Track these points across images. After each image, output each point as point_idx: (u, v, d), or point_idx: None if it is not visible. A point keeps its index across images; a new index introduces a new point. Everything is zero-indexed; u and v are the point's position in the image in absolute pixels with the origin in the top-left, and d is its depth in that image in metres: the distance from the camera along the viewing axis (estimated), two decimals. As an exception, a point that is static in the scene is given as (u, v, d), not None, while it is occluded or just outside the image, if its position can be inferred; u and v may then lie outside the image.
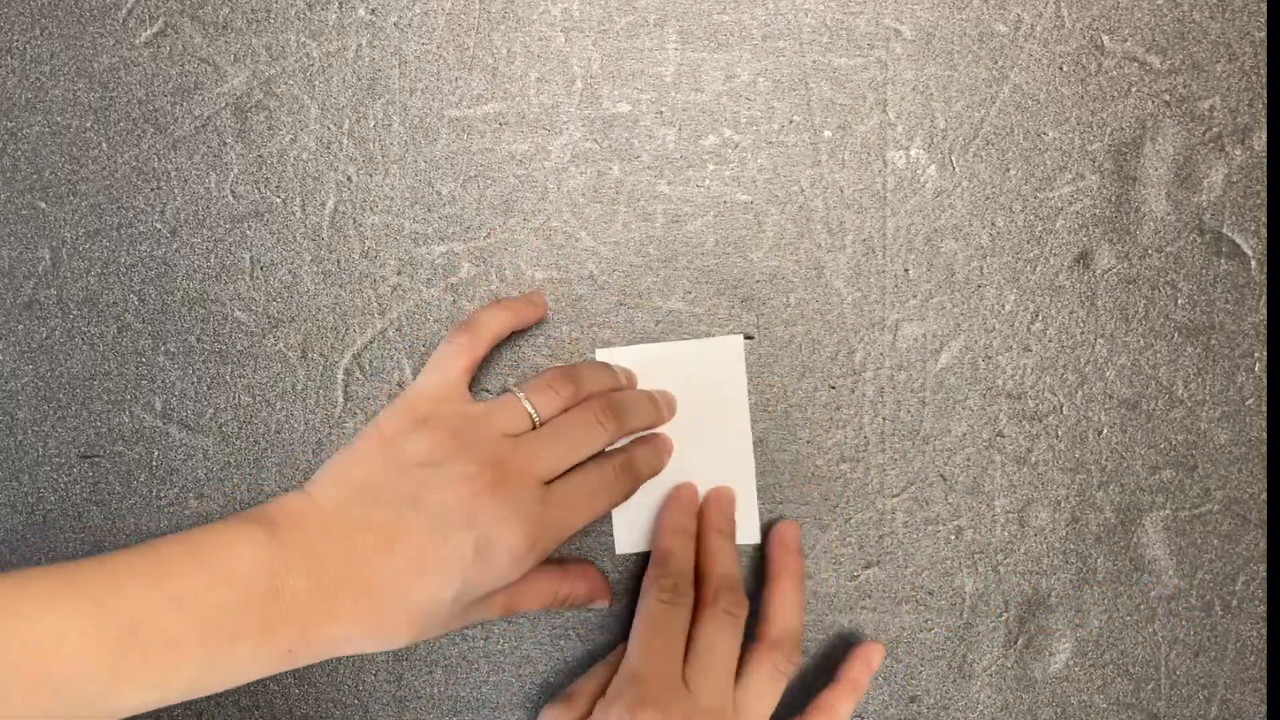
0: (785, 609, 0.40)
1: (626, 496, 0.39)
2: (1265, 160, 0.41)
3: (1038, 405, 0.42)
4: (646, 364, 0.42)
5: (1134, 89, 0.41)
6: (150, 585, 0.30)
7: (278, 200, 0.42)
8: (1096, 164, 0.41)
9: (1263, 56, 0.41)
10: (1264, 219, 0.41)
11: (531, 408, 0.38)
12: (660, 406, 0.41)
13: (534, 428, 0.38)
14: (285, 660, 0.32)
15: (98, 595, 0.29)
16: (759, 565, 0.42)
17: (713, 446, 0.42)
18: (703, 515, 0.41)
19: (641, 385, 0.42)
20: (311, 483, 0.35)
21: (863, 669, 0.41)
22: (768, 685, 0.38)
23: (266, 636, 0.31)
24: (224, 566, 0.31)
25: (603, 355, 0.42)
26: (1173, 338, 0.42)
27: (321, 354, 0.42)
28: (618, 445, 0.40)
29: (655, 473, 0.41)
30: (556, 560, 0.41)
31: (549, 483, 0.37)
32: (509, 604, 0.37)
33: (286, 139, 0.42)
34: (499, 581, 0.35)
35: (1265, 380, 0.42)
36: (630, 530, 0.42)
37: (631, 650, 0.38)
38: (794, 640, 0.39)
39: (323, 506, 0.34)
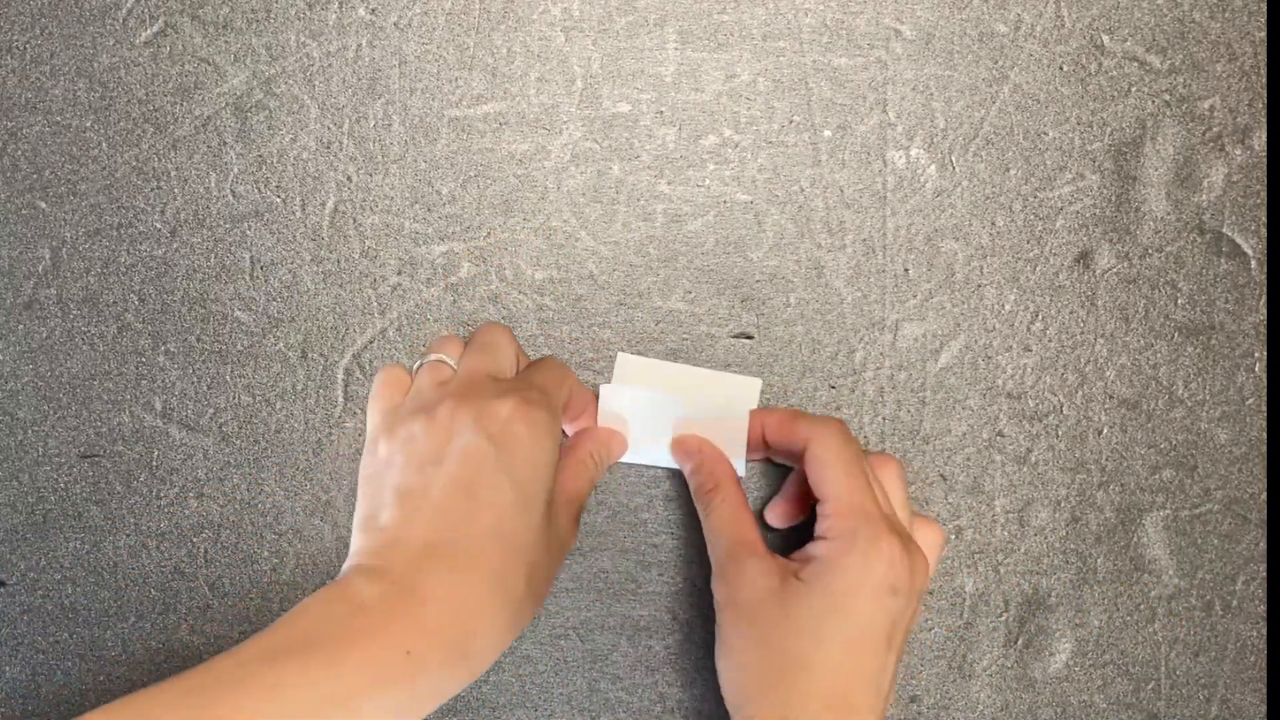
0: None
1: (568, 374, 0.39)
2: (1265, 160, 0.41)
3: (1038, 405, 0.42)
4: (662, 380, 0.42)
5: (1134, 89, 0.41)
6: (237, 653, 0.30)
7: (278, 200, 0.42)
8: (1096, 164, 0.41)
9: (1263, 56, 0.41)
10: (1264, 219, 0.41)
11: (440, 355, 0.38)
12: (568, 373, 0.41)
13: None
14: (404, 664, 0.31)
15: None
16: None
17: None
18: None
19: (645, 411, 0.41)
20: (357, 566, 0.34)
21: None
22: (894, 473, 0.39)
23: (370, 647, 0.30)
24: (297, 616, 0.31)
25: (623, 361, 0.42)
26: (1173, 338, 0.42)
27: (321, 354, 0.42)
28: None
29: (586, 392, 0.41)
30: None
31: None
32: (569, 494, 0.38)
33: (286, 139, 0.42)
34: (534, 452, 0.35)
35: (1265, 380, 0.42)
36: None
37: (842, 488, 0.35)
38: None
39: (362, 549, 0.34)
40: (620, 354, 0.42)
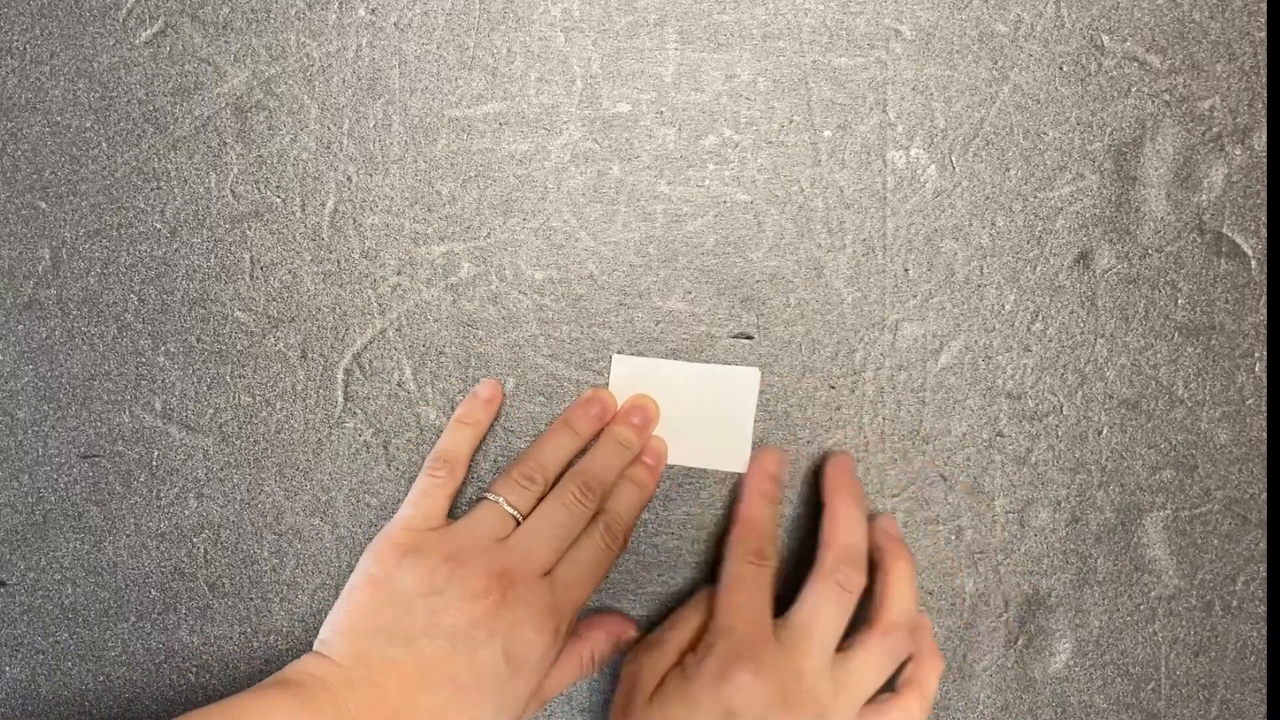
0: (900, 596, 0.39)
1: (622, 552, 0.40)
2: (1265, 160, 0.41)
3: (1038, 405, 0.42)
4: (660, 379, 0.42)
5: (1134, 89, 0.41)
6: None
7: (278, 200, 0.42)
8: (1096, 164, 0.41)
9: (1263, 56, 0.41)
10: (1264, 219, 0.41)
11: (511, 508, 0.38)
12: (631, 442, 0.41)
13: (517, 524, 0.38)
14: None
15: None
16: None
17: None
18: (827, 477, 0.41)
19: (658, 393, 0.42)
20: (320, 642, 0.35)
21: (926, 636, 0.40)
22: (873, 666, 0.38)
23: None
24: None
25: (619, 363, 0.42)
26: (1173, 338, 0.42)
27: (321, 354, 0.42)
28: None
29: (644, 504, 0.41)
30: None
31: (548, 571, 0.37)
32: (541, 696, 0.38)
33: (286, 139, 0.42)
34: (534, 682, 0.36)
35: (1265, 380, 0.42)
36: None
37: (720, 607, 0.38)
38: (908, 626, 0.39)
39: (340, 661, 0.34)
40: (615, 355, 0.42)
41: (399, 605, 0.35)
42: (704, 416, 0.42)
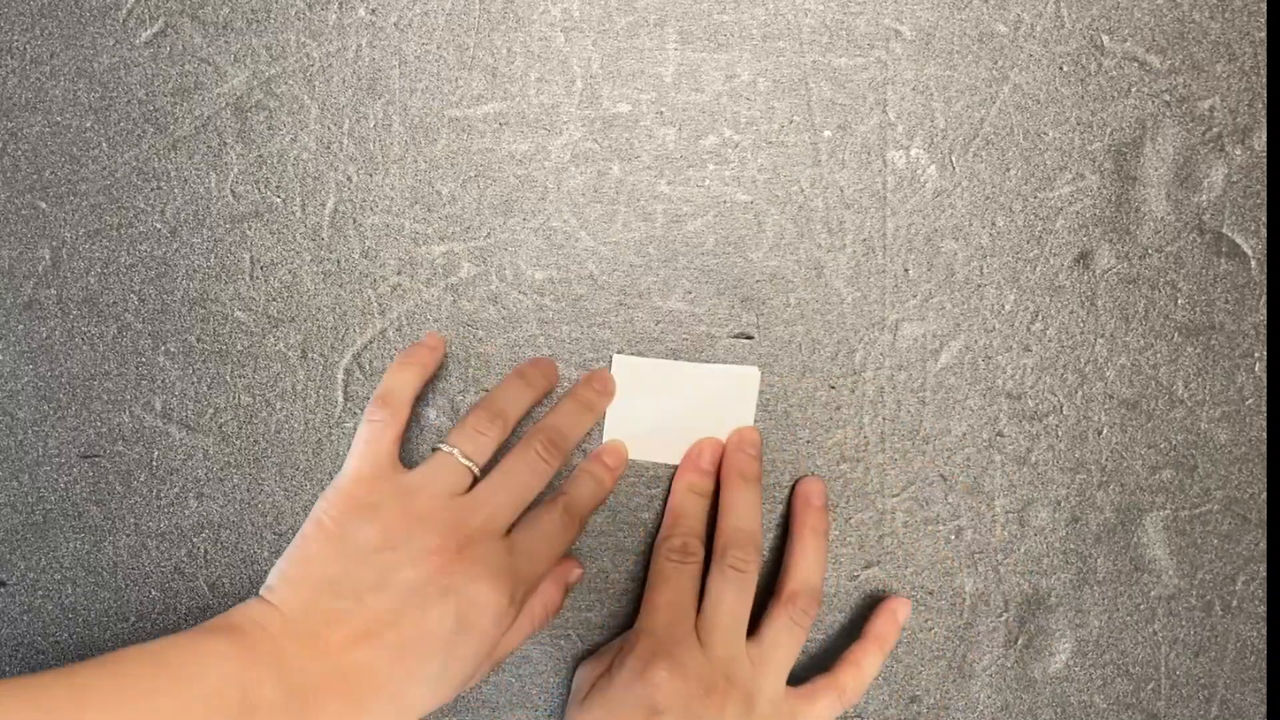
0: (803, 563, 0.40)
1: (577, 536, 0.40)
2: (1265, 160, 0.41)
3: (1038, 405, 0.42)
4: (660, 379, 0.42)
5: (1134, 89, 0.41)
6: (117, 704, 0.28)
7: (278, 200, 0.42)
8: (1096, 164, 0.41)
9: (1263, 56, 0.41)
10: (1264, 219, 0.41)
11: (466, 459, 0.37)
12: (593, 404, 0.41)
13: (475, 479, 0.38)
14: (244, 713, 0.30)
15: (63, 717, 0.28)
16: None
17: None
18: (725, 461, 0.41)
19: (651, 399, 0.42)
20: (266, 587, 0.34)
21: (889, 623, 0.41)
22: (784, 636, 0.38)
23: None
24: (193, 684, 0.30)
25: (619, 363, 0.42)
26: (1173, 338, 0.42)
27: (321, 354, 0.42)
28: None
29: (601, 501, 0.41)
30: None
31: (508, 532, 0.37)
32: (494, 658, 0.38)
33: (286, 139, 0.42)
34: (485, 646, 0.35)
35: (1265, 380, 0.42)
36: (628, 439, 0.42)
37: (643, 608, 0.39)
38: (811, 593, 0.39)
39: (285, 610, 0.33)
40: (615, 355, 0.42)
41: (350, 558, 0.34)
42: (704, 416, 0.42)
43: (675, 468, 0.42)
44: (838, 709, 0.39)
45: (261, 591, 0.34)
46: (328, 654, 0.32)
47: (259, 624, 0.32)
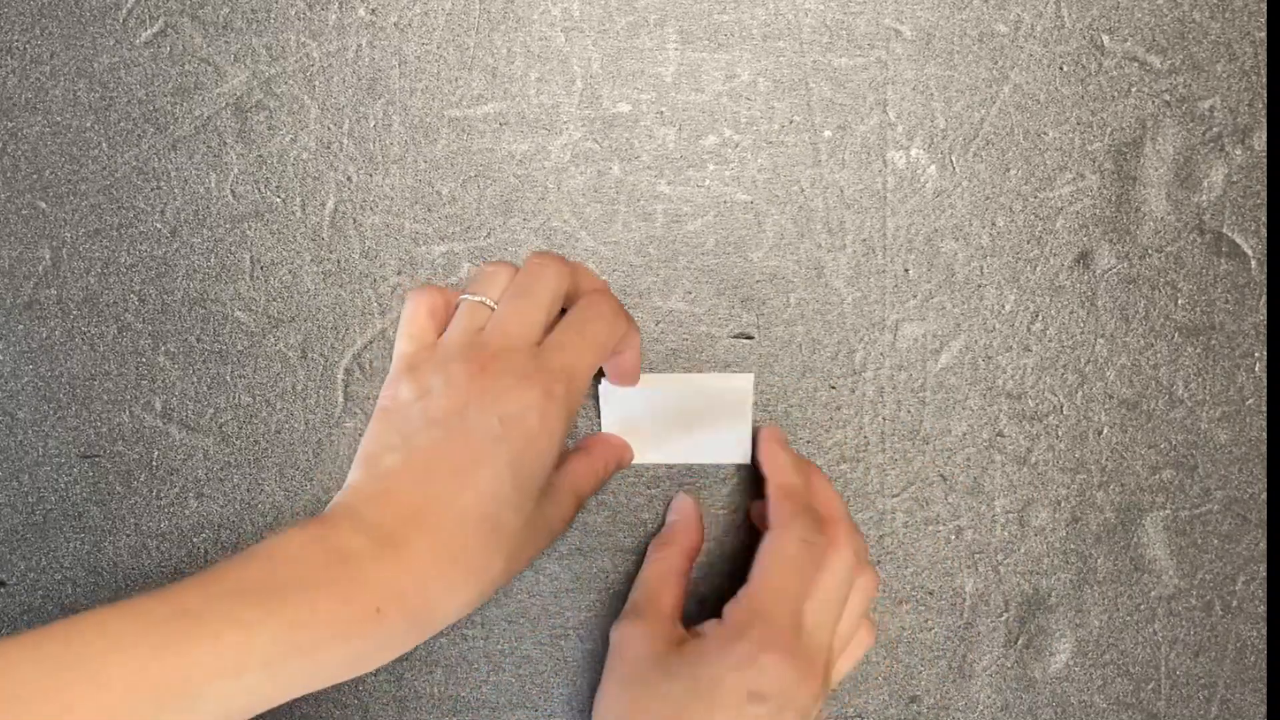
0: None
1: (618, 321, 0.38)
2: (1265, 160, 0.41)
3: (1038, 405, 0.42)
4: (655, 391, 0.41)
5: (1134, 89, 0.41)
6: (206, 582, 0.29)
7: (278, 200, 0.42)
8: (1096, 164, 0.41)
9: (1263, 56, 0.41)
10: (1264, 219, 0.41)
11: (482, 298, 0.37)
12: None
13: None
14: (373, 622, 0.30)
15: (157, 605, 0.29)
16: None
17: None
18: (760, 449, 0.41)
19: (647, 412, 0.42)
20: (342, 489, 0.35)
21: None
22: (803, 559, 0.36)
23: (344, 599, 0.30)
24: (276, 550, 0.31)
25: (607, 389, 0.41)
26: (1173, 338, 0.42)
27: (321, 354, 0.42)
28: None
29: (630, 323, 0.39)
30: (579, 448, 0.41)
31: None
32: (573, 486, 0.38)
33: (286, 139, 0.42)
34: (542, 445, 0.34)
35: (1265, 380, 0.42)
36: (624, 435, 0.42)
37: (762, 584, 0.36)
38: (792, 493, 0.38)
39: (356, 485, 0.34)
40: (604, 381, 0.41)
41: (395, 419, 0.35)
42: (701, 425, 0.42)
43: (675, 468, 0.42)
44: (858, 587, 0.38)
45: (344, 500, 0.35)
46: (397, 502, 0.33)
47: (338, 503, 0.34)
